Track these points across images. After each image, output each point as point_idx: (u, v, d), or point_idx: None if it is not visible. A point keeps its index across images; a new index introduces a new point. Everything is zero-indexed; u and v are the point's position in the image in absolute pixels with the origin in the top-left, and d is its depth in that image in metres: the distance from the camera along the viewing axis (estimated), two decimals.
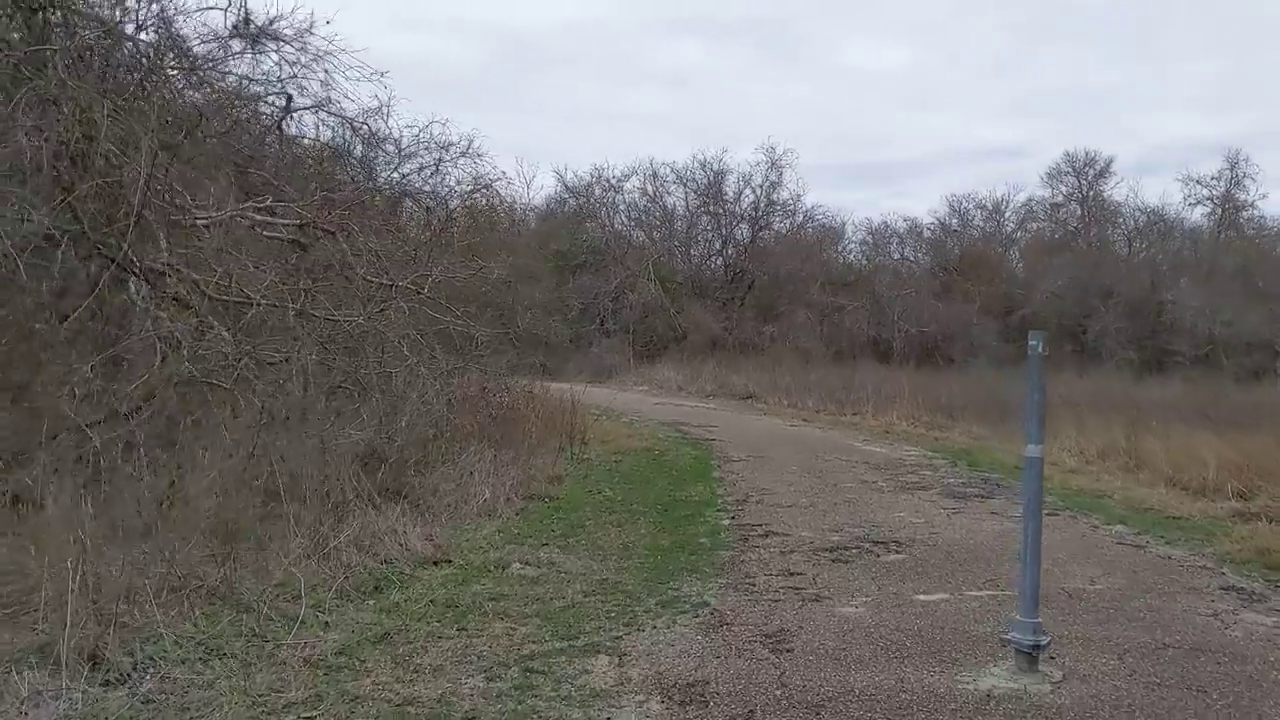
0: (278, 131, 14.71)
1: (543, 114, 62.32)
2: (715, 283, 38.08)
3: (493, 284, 14.21)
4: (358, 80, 13.39)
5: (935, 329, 35.50)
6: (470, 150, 17.06)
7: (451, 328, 11.60)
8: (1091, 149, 44.11)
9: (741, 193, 37.98)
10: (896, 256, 43.00)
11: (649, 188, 38.31)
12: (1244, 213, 42.02)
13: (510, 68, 65.45)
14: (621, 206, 39.12)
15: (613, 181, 37.83)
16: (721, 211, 38.33)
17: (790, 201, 38.00)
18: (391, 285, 10.60)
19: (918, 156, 65.21)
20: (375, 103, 14.66)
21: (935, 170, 68.20)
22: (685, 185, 38.30)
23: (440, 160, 17.16)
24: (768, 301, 36.49)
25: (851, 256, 42.15)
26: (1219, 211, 42.49)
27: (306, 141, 15.01)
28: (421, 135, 16.48)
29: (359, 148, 15.25)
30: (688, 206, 38.83)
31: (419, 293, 11.11)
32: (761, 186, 37.63)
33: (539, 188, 48.33)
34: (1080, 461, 12.39)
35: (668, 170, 38.20)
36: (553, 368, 33.80)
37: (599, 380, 29.30)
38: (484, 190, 18.78)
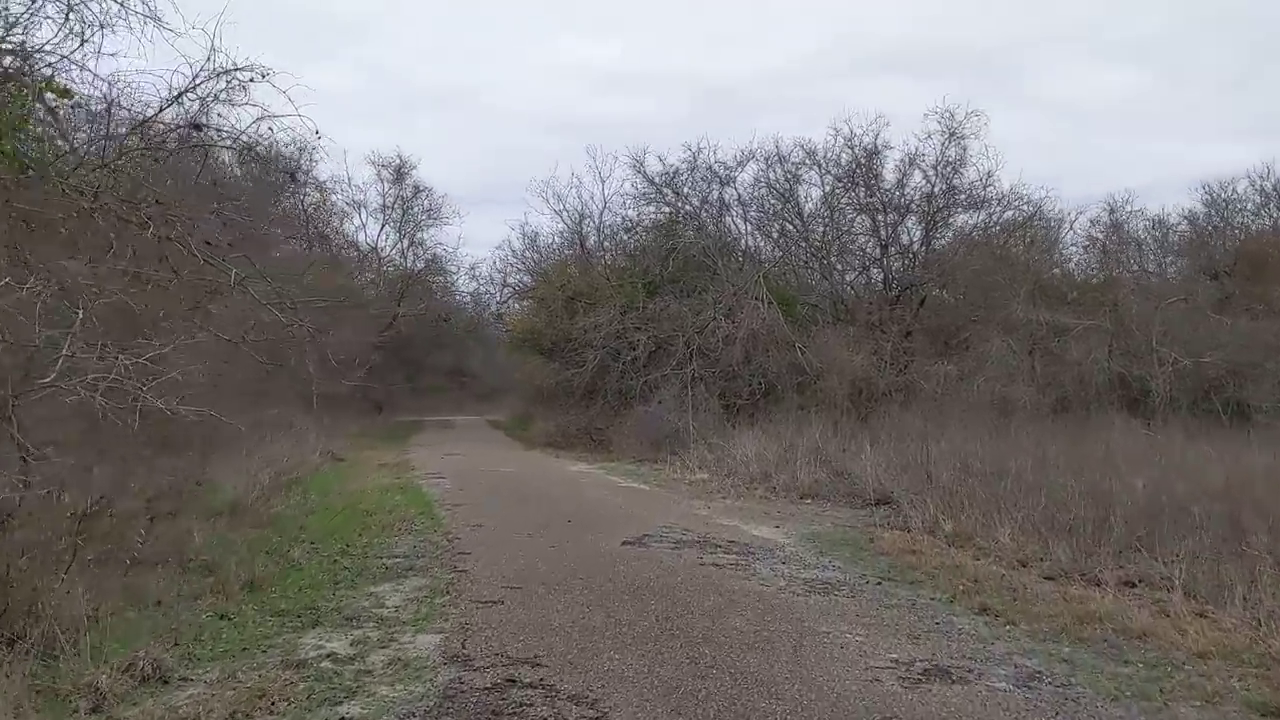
0: None
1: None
2: (869, 303, 26.12)
3: None
4: None
5: (1214, 360, 22.30)
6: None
7: None
8: None
9: (907, 176, 25.91)
10: (1135, 269, 29.71)
11: (773, 174, 26.93)
12: None
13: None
14: (734, 204, 27.83)
15: (718, 169, 26.80)
16: (877, 203, 26.41)
17: (977, 185, 25.51)
18: None
19: (1136, 187, 51.16)
20: None
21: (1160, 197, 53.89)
22: (822, 169, 26.67)
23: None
24: (947, 325, 24.40)
25: (1072, 266, 29.30)
26: None
27: None
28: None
29: None
30: (826, 197, 27.11)
31: None
32: (936, 167, 25.44)
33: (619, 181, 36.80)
34: None
35: (800, 153, 26.67)
36: (601, 436, 23.16)
37: (646, 457, 18.28)
38: None
